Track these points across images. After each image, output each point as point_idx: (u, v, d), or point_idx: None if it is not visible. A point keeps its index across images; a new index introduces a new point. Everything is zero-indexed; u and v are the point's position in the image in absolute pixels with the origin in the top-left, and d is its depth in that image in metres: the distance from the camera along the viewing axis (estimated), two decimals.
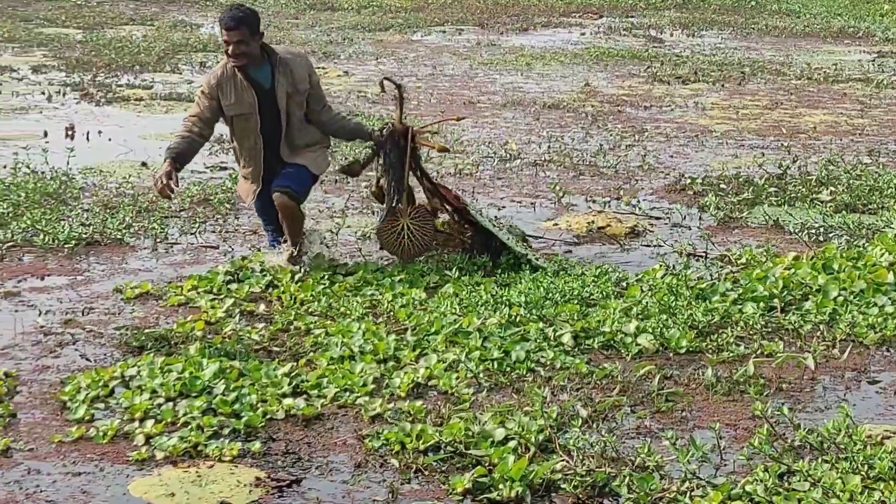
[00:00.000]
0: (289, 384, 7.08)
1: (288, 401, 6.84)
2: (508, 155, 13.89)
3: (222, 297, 8.72)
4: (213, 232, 10.53)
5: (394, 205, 9.39)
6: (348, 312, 8.37)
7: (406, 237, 9.35)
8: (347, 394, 7.01)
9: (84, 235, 10.08)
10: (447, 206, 9.72)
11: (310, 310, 8.48)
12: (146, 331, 7.99)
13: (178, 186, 9.00)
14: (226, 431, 6.51)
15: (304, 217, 9.42)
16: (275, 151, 9.21)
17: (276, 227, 9.42)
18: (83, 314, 8.42)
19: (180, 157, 9.01)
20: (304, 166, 9.23)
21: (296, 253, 9.29)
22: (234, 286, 8.92)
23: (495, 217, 10.20)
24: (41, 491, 5.89)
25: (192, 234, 10.44)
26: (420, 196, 9.74)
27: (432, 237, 9.50)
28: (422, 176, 9.64)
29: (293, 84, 9.14)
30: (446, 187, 10.00)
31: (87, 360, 7.61)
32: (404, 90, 9.86)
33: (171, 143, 9.16)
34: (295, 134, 9.24)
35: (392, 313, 8.37)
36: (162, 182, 8.74)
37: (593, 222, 10.86)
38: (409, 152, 9.38)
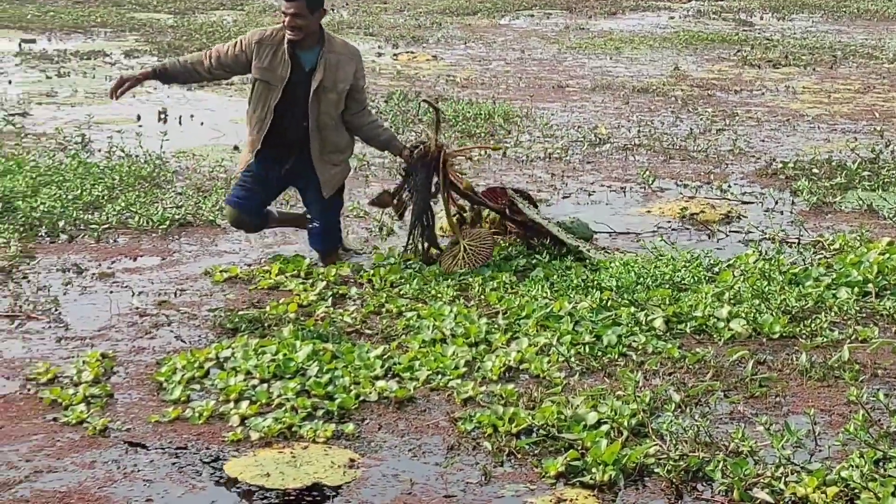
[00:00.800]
0: (381, 367, 7.12)
1: (381, 383, 6.88)
2: (598, 139, 13.86)
3: (313, 279, 8.78)
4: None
5: (416, 234, 9.17)
6: (439, 296, 8.39)
7: (464, 255, 9.01)
8: (439, 376, 7.03)
9: (177, 217, 10.19)
10: (495, 210, 9.56)
11: (401, 292, 8.52)
12: (239, 312, 8.06)
13: (119, 95, 8.84)
14: (319, 413, 6.56)
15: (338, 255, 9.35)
16: (294, 140, 8.86)
17: (250, 190, 9.09)
18: (176, 296, 8.50)
19: (166, 73, 8.99)
20: (326, 204, 9.02)
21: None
22: (322, 269, 8.98)
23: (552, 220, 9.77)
24: (138, 470, 5.96)
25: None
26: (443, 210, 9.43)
27: (491, 248, 9.13)
28: (453, 196, 9.30)
29: (333, 79, 8.76)
30: (493, 189, 9.80)
31: (182, 341, 7.69)
32: (442, 113, 9.56)
33: (170, 59, 9.26)
34: (326, 131, 8.88)
35: (483, 297, 8.38)
36: (112, 85, 8.85)
37: (686, 209, 10.80)
38: (442, 177, 9.08)
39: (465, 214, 9.46)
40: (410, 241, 9.25)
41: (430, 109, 9.32)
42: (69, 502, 5.63)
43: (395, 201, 9.35)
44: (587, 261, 9.05)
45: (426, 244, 9.20)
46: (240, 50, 8.78)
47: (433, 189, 9.13)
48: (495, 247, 9.26)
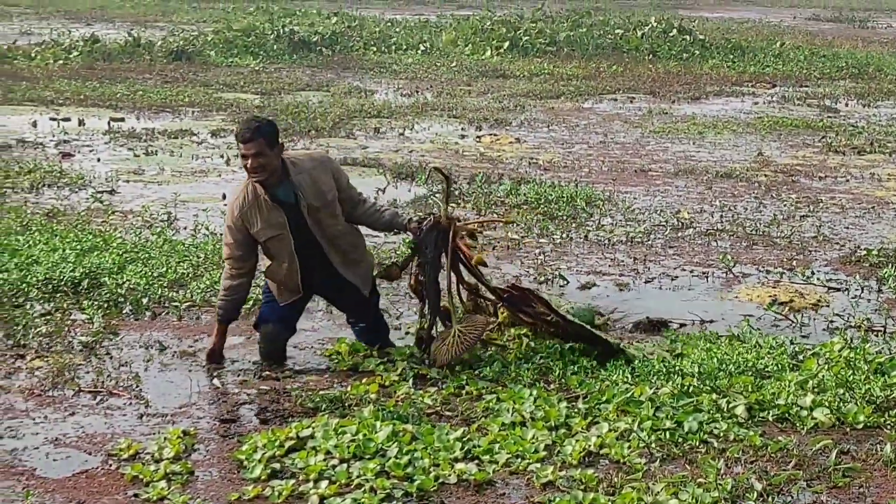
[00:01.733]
0: (461, 449, 7.12)
1: (460, 465, 6.88)
2: (680, 223, 13.81)
3: (394, 360, 8.79)
4: (385, 297, 10.61)
5: (432, 309, 8.83)
6: (519, 378, 8.37)
7: (451, 343, 8.62)
8: (519, 460, 7.02)
9: (259, 297, 10.25)
10: (498, 298, 9.18)
11: (481, 374, 8.51)
12: (320, 392, 8.09)
13: (223, 362, 8.76)
14: (398, 494, 6.57)
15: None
16: (317, 265, 8.67)
17: (271, 308, 8.89)
18: (255, 376, 8.54)
19: (228, 316, 8.75)
20: (361, 299, 8.90)
21: None
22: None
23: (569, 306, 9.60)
24: None
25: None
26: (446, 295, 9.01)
27: (479, 335, 8.74)
28: (462, 275, 9.02)
29: (318, 195, 8.48)
30: (515, 286, 9.41)
31: (263, 420, 7.72)
32: (452, 182, 9.27)
33: (218, 301, 8.88)
34: (338, 240, 8.68)
35: (563, 381, 8.35)
36: (208, 362, 8.75)
37: (776, 297, 10.73)
38: (451, 251, 8.79)
39: (480, 300, 9.25)
40: (423, 320, 8.96)
41: (441, 179, 9.02)
42: None
43: (413, 283, 9.00)
44: (618, 353, 8.80)
45: (434, 322, 8.87)
46: (240, 235, 8.50)
47: (442, 263, 8.90)
48: (485, 334, 8.89)
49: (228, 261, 8.64)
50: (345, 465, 6.88)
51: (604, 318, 9.81)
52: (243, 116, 21.14)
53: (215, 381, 8.43)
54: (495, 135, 20.53)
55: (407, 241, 9.07)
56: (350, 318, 9.12)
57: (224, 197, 14.66)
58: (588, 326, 8.99)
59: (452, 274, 8.88)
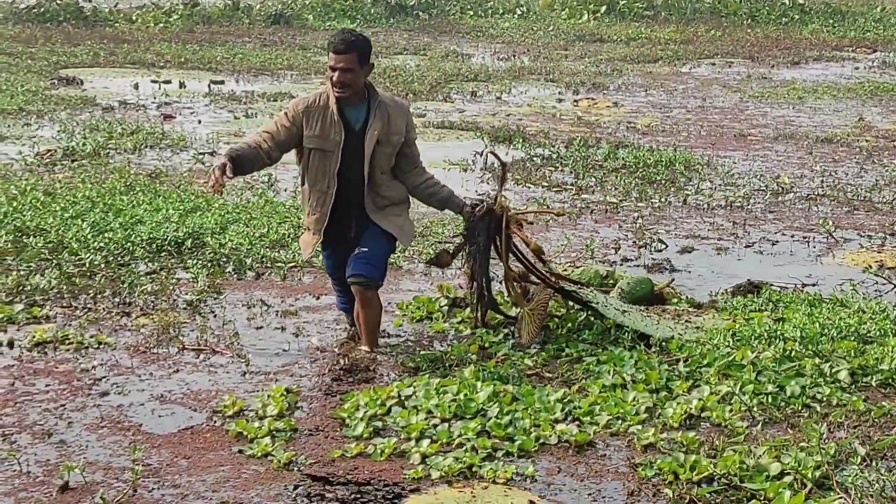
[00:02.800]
0: (561, 410, 7.13)
1: (560, 426, 6.90)
2: (780, 188, 13.71)
3: (494, 323, 8.82)
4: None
5: (479, 297, 8.64)
6: (619, 341, 8.36)
7: (526, 322, 8.46)
8: (619, 422, 7.03)
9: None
10: (550, 287, 8.75)
11: (580, 337, 8.52)
12: (422, 352, 8.14)
13: (230, 178, 7.97)
14: (499, 454, 6.60)
15: (381, 308, 8.38)
16: (354, 203, 8.20)
17: (343, 290, 8.49)
18: (355, 336, 8.59)
19: (239, 160, 8.00)
20: (383, 239, 8.25)
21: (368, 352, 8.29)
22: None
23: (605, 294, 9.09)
24: (321, 503, 6.05)
25: (462, 259, 10.53)
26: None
27: (545, 309, 8.51)
28: (512, 260, 8.71)
29: (387, 132, 8.10)
30: (553, 273, 9.02)
31: (365, 379, 7.78)
32: (509, 169, 8.89)
33: (235, 145, 8.43)
34: (380, 187, 8.21)
35: (663, 344, 8.33)
36: (215, 175, 7.78)
37: (882, 262, 10.63)
38: (504, 239, 8.55)
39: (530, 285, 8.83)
40: (476, 308, 8.77)
41: (497, 164, 8.75)
42: None
43: (454, 260, 8.88)
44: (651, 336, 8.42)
45: (485, 310, 8.72)
46: (290, 124, 8.08)
47: (494, 251, 8.63)
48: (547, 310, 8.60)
49: (266, 133, 8.15)
50: (446, 425, 6.92)
51: (661, 286, 9.48)
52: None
53: (314, 339, 8.50)
54: (592, 99, 20.49)
55: (460, 228, 8.90)
56: (357, 245, 8.25)
57: None
58: (619, 316, 8.62)
59: (508, 260, 8.63)
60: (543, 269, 8.88)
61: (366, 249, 8.17)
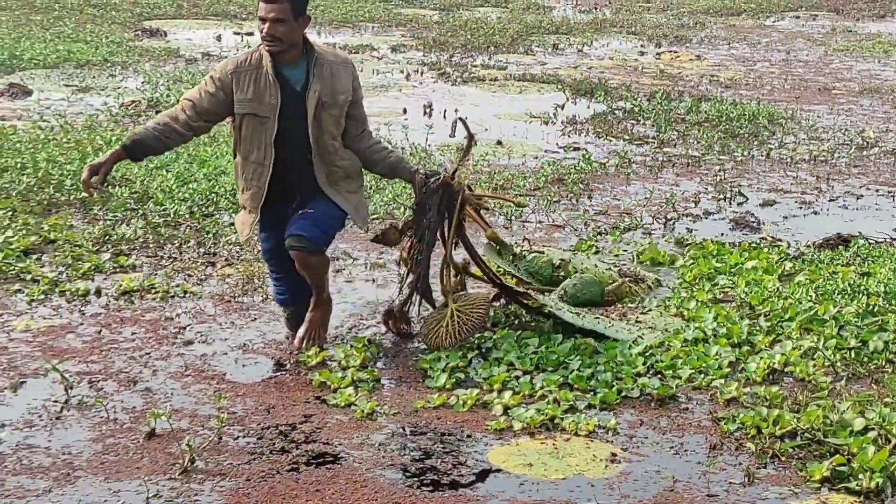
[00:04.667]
0: (643, 364, 7.13)
1: (643, 379, 6.90)
2: (865, 143, 13.58)
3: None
4: (566, 210, 10.64)
5: (415, 283, 7.68)
6: (698, 297, 8.33)
7: (449, 323, 7.45)
8: (702, 376, 7.02)
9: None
10: (497, 286, 8.00)
11: (657, 293, 8.50)
12: (497, 306, 8.14)
13: (102, 186, 7.18)
14: (581, 406, 6.62)
15: (328, 262, 7.56)
16: (298, 176, 7.31)
17: (283, 277, 7.58)
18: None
19: (138, 146, 7.16)
20: (333, 206, 7.36)
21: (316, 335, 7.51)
22: None
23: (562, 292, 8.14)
24: (404, 454, 6.10)
25: (543, 212, 10.57)
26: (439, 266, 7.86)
27: (483, 317, 7.50)
28: (457, 246, 7.74)
29: (331, 92, 7.21)
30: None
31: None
32: (475, 141, 7.95)
33: (137, 128, 7.60)
34: (332, 156, 7.31)
35: (744, 299, 8.29)
36: (83, 177, 7.09)
37: None
38: (455, 218, 7.57)
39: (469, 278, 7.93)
40: (402, 292, 7.84)
41: (464, 134, 7.76)
42: (337, 482, 5.79)
43: (406, 254, 7.78)
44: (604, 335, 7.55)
45: (417, 295, 7.77)
46: (215, 88, 7.17)
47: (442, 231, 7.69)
48: (487, 314, 7.59)
49: (186, 101, 7.21)
50: (528, 377, 6.94)
51: (616, 284, 8.36)
52: (422, 33, 21.28)
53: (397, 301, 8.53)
54: (675, 52, 20.36)
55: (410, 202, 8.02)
56: (303, 207, 7.39)
57: (405, 111, 14.78)
58: (572, 317, 7.66)
59: (452, 243, 7.67)
60: (492, 266, 8.06)
61: (311, 211, 7.28)
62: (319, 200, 7.33)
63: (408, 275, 7.71)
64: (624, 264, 8.87)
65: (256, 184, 7.26)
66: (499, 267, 8.28)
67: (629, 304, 8.20)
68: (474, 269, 8.01)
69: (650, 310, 8.10)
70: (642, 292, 8.41)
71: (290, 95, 7.17)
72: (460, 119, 8.11)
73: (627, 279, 8.45)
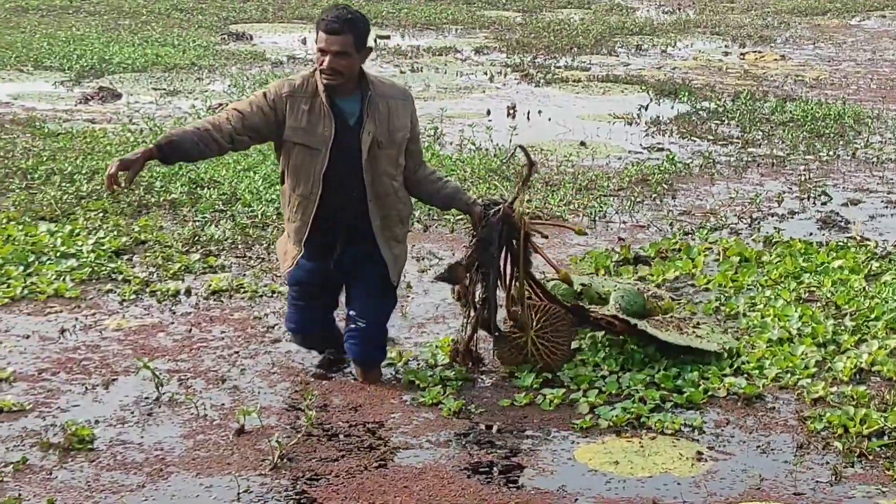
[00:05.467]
0: (729, 364, 7.13)
1: (729, 379, 6.90)
2: None
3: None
4: (650, 210, 10.65)
5: (477, 318, 7.12)
6: (781, 296, 8.30)
7: (535, 351, 7.14)
8: (788, 375, 7.01)
9: (526, 211, 10.34)
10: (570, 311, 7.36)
11: (741, 292, 8.47)
12: None
13: (128, 185, 6.64)
14: (667, 405, 6.64)
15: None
16: (356, 215, 6.77)
17: (304, 306, 7.08)
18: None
19: (173, 149, 6.62)
20: (379, 291, 6.93)
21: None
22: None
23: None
24: (491, 451, 6.16)
25: (627, 213, 10.58)
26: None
27: (569, 342, 7.23)
28: (526, 283, 7.19)
29: (388, 130, 6.70)
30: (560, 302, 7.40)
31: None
32: (536, 168, 7.56)
33: (174, 128, 7.04)
34: (390, 197, 6.80)
35: (828, 299, 8.26)
36: (110, 170, 6.51)
37: None
38: (521, 251, 7.07)
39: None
40: (464, 329, 7.23)
41: (523, 160, 7.34)
42: (424, 479, 5.86)
43: (461, 289, 7.19)
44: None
45: (477, 329, 7.19)
46: (268, 106, 6.67)
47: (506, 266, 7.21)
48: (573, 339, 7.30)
49: (235, 112, 6.71)
50: (614, 377, 6.98)
51: (657, 294, 8.05)
52: (505, 35, 21.33)
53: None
54: (759, 52, 20.24)
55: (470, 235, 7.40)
56: (353, 309, 7.01)
57: (488, 113, 14.83)
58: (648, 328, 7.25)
59: (525, 277, 7.17)
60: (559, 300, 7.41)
61: (363, 324, 6.92)
62: (365, 286, 6.91)
63: (469, 311, 7.16)
64: (642, 285, 8.34)
65: (301, 217, 6.76)
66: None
67: (676, 317, 7.69)
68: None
69: (702, 323, 7.68)
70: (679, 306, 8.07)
71: (343, 130, 6.66)
72: (520, 147, 7.34)
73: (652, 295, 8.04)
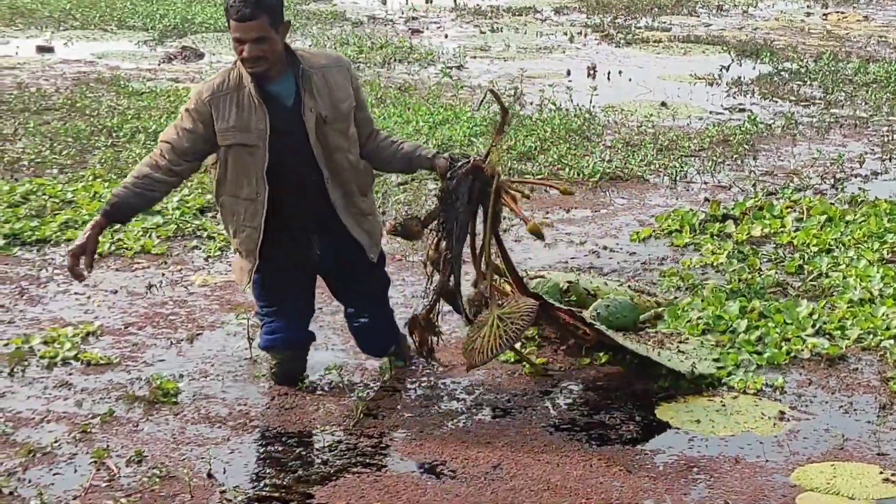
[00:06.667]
0: (812, 325, 7.11)
1: (812, 340, 6.89)
2: None
3: (720, 237, 8.83)
4: (731, 171, 10.62)
5: (448, 282, 6.46)
6: (864, 257, 8.26)
7: (488, 333, 6.19)
8: (871, 336, 6.99)
9: (607, 171, 10.38)
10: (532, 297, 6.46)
11: (816, 253, 8.44)
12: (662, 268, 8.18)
13: (90, 269, 6.07)
14: (751, 367, 6.63)
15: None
16: (314, 201, 6.21)
17: (276, 311, 6.42)
18: (604, 249, 8.67)
19: (120, 210, 6.10)
20: (374, 279, 6.52)
21: None
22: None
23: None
24: (574, 408, 6.21)
25: (708, 173, 10.55)
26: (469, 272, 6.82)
27: (527, 323, 6.20)
28: (493, 244, 6.42)
29: (330, 103, 6.12)
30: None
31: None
32: (510, 119, 6.80)
33: (115, 189, 6.29)
34: (348, 172, 6.21)
35: None
36: (68, 265, 6.08)
37: None
38: (491, 209, 6.28)
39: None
40: (433, 302, 6.58)
41: (497, 108, 6.79)
42: (507, 435, 5.91)
43: (432, 252, 6.50)
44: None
45: (440, 301, 6.59)
46: (192, 123, 6.08)
47: (474, 226, 6.44)
48: (530, 323, 6.25)
49: (164, 144, 6.12)
50: (697, 339, 6.98)
51: (651, 313, 7.28)
52: None
53: (568, 251, 8.58)
54: (842, 13, 20.07)
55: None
56: (349, 307, 6.61)
57: (569, 73, 14.82)
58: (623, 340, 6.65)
59: (491, 240, 6.39)
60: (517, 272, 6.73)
61: (364, 319, 6.57)
62: (359, 283, 6.47)
63: (432, 276, 6.55)
64: (632, 282, 7.91)
65: (250, 224, 6.15)
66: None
67: (663, 331, 7.08)
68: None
69: (689, 338, 7.00)
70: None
71: (281, 115, 6.07)
72: (491, 91, 6.68)
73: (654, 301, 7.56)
